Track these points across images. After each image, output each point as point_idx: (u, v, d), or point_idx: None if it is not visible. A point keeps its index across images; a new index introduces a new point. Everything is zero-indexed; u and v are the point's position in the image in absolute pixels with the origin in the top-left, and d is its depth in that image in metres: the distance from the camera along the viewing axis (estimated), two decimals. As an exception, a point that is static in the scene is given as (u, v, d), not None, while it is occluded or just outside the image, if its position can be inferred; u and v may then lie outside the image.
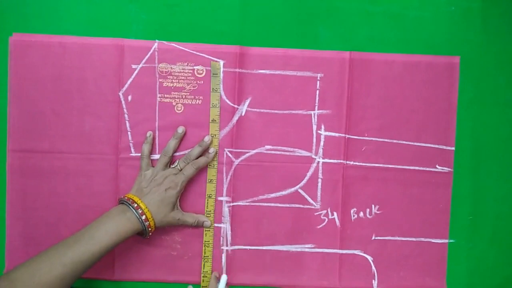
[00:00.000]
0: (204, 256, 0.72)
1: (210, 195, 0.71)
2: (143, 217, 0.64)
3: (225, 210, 0.72)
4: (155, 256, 0.72)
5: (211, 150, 0.70)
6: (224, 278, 0.70)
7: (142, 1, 0.70)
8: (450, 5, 0.71)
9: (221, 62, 0.70)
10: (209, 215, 0.72)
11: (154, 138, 0.70)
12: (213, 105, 0.70)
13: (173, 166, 0.69)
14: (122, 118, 0.70)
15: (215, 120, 0.70)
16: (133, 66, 0.70)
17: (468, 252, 0.74)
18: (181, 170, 0.68)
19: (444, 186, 0.73)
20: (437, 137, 0.72)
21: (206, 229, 0.72)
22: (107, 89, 0.70)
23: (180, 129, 0.70)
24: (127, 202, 0.65)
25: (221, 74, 0.70)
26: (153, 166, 0.69)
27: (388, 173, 0.73)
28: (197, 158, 0.69)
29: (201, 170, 0.71)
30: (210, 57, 0.70)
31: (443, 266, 0.74)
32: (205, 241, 0.72)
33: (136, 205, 0.64)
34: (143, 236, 0.66)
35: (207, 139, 0.70)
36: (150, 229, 0.65)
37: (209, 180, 0.71)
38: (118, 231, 0.62)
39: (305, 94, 0.71)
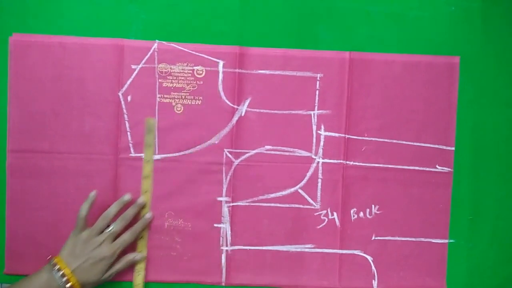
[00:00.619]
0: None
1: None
2: None
3: (225, 210, 0.72)
4: (155, 256, 0.72)
5: (148, 215, 0.70)
6: None
7: (142, 1, 0.70)
8: (450, 5, 0.71)
9: (221, 63, 0.70)
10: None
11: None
12: (146, 161, 0.70)
13: (108, 230, 0.67)
14: (121, 119, 0.70)
15: (148, 176, 0.70)
16: (133, 67, 0.70)
17: (468, 252, 0.74)
18: (117, 233, 0.67)
19: (444, 186, 0.73)
20: (437, 137, 0.72)
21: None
22: (106, 89, 0.70)
23: (126, 197, 0.69)
24: (57, 274, 0.63)
25: (156, 131, 0.70)
26: (89, 227, 0.67)
27: (388, 173, 0.72)
28: (133, 218, 0.69)
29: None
30: (209, 57, 0.70)
31: (443, 266, 0.74)
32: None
33: (67, 278, 0.63)
34: None
35: (141, 200, 0.69)
36: None
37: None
38: None
39: (305, 94, 0.71)
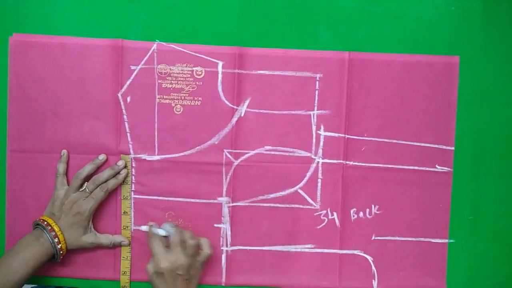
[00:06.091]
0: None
1: (126, 212, 0.71)
2: (56, 240, 0.65)
3: (225, 210, 0.72)
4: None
5: (122, 171, 0.70)
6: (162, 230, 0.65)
7: (142, 1, 0.70)
8: (450, 5, 0.71)
9: (220, 63, 0.70)
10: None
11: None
12: (124, 197, 0.71)
13: (82, 189, 0.68)
14: (121, 119, 0.70)
15: (127, 213, 0.71)
16: (132, 67, 0.70)
17: (468, 252, 0.74)
18: (90, 193, 0.68)
19: (444, 186, 0.73)
20: (436, 137, 0.72)
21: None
22: (106, 90, 0.70)
23: (101, 157, 0.69)
24: (41, 225, 0.65)
25: (132, 164, 0.70)
26: (68, 185, 0.69)
27: (388, 173, 0.72)
28: (106, 180, 0.69)
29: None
30: (209, 58, 0.70)
31: (443, 266, 0.74)
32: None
33: (50, 227, 0.65)
34: (54, 259, 0.66)
35: (120, 163, 0.69)
36: (61, 252, 0.66)
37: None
38: (34, 258, 0.63)
39: (304, 95, 0.71)
